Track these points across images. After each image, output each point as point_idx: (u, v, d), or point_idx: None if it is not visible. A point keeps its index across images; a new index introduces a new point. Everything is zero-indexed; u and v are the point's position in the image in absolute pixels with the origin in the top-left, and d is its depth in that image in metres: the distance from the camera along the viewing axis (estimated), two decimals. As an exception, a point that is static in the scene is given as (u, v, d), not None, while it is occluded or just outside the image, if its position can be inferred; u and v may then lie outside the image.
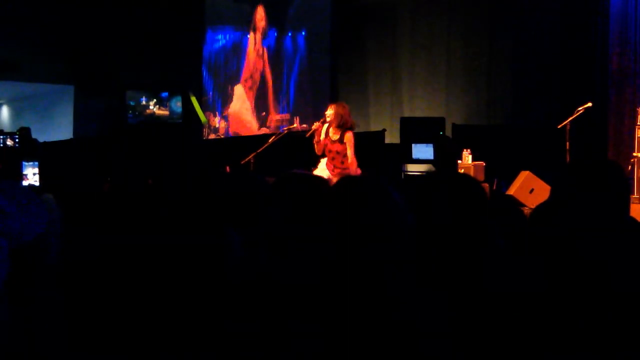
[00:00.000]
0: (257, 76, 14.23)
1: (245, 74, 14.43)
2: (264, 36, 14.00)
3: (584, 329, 1.87)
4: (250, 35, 14.29)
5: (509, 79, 10.27)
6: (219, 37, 15.00)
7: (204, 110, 14.92)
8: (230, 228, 2.17)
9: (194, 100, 13.34)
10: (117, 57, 15.21)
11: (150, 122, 13.41)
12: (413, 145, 8.93)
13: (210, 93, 15.13)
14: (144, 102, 13.76)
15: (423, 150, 8.94)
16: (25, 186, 2.31)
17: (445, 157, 8.41)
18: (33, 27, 15.70)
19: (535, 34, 9.83)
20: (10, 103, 22.69)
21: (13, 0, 15.50)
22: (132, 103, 13.74)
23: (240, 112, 14.51)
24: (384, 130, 10.66)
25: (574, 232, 1.95)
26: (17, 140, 6.91)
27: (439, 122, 9.63)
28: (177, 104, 13.54)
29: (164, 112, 13.41)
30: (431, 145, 8.73)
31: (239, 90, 14.51)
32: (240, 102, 14.51)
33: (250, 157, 8.79)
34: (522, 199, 8.01)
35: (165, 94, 13.52)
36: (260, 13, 14.07)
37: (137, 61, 15.05)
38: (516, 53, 10.15)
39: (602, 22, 9.11)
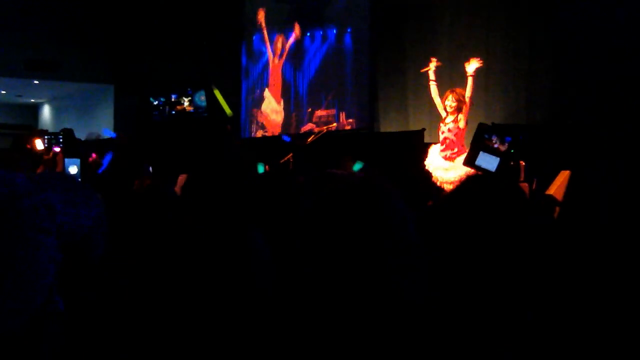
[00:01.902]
0: (279, 78, 14.35)
1: (270, 78, 14.54)
2: (295, 36, 14.11)
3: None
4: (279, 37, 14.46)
5: (549, 78, 10.14)
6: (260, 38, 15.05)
7: (248, 108, 14.98)
8: (257, 230, 2.09)
9: (217, 93, 13.35)
10: (156, 57, 15.36)
11: (178, 118, 13.54)
12: (481, 152, 8.01)
13: (257, 90, 15.16)
14: (173, 99, 13.88)
15: (488, 160, 8.07)
16: (73, 178, 2.29)
17: (509, 172, 7.94)
18: (73, 27, 15.92)
19: (576, 32, 9.70)
20: (52, 102, 23.01)
21: (54, 1, 15.74)
22: (155, 102, 13.88)
23: (269, 114, 14.60)
24: (424, 129, 10.61)
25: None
26: (60, 140, 7.02)
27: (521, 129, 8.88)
28: (201, 98, 13.62)
29: (192, 108, 13.59)
30: (498, 158, 7.81)
31: (267, 93, 14.66)
32: (268, 103, 14.61)
33: (289, 156, 8.81)
34: (561, 198, 7.91)
35: (190, 91, 13.64)
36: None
37: (177, 60, 15.17)
38: (556, 51, 10.03)
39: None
